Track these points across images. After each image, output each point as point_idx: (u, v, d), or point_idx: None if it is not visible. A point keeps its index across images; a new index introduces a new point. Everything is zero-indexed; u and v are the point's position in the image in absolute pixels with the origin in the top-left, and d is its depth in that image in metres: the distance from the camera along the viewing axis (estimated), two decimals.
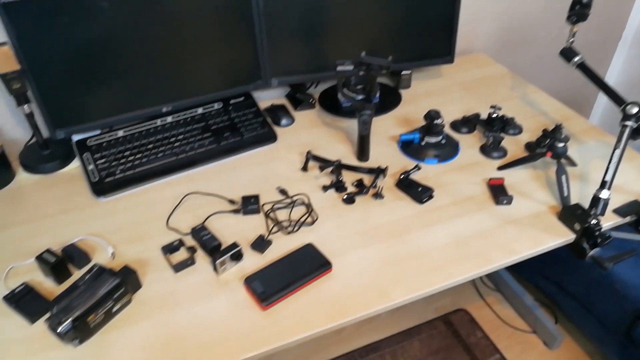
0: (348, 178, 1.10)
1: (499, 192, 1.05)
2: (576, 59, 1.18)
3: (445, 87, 1.43)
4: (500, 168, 1.13)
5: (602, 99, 2.06)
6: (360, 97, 1.13)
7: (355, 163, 1.15)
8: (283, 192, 1.07)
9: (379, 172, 1.09)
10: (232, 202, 1.05)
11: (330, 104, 1.34)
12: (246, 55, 1.22)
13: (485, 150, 1.18)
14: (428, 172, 1.12)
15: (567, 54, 1.20)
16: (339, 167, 1.09)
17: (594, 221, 0.93)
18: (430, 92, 1.41)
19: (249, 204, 1.02)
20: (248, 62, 1.23)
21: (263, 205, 1.04)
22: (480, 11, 1.58)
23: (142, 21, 1.08)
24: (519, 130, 1.25)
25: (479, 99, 1.38)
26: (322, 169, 1.10)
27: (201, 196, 1.07)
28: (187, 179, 1.12)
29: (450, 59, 1.38)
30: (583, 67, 1.18)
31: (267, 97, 1.40)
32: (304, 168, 1.13)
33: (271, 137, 1.22)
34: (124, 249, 0.95)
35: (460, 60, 1.54)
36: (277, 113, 1.29)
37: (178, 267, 0.91)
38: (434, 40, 1.34)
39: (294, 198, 1.05)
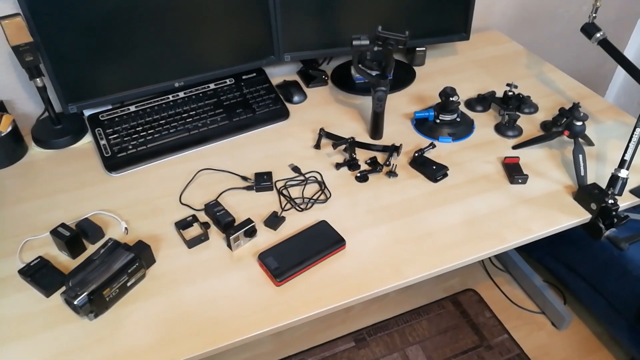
0: (361, 156, 1.09)
1: (514, 171, 1.03)
2: (598, 35, 1.15)
3: (460, 65, 1.41)
4: (516, 147, 1.12)
5: (618, 78, 2.02)
6: (375, 73, 1.11)
7: (368, 141, 1.14)
8: (296, 169, 1.06)
9: (392, 149, 1.08)
10: (245, 178, 1.04)
11: (343, 81, 1.32)
12: (259, 29, 1.20)
13: (501, 129, 1.16)
14: (442, 151, 1.11)
15: (589, 29, 1.17)
16: (352, 145, 1.08)
17: (611, 201, 0.92)
18: (445, 70, 1.38)
19: (262, 181, 1.01)
20: (261, 36, 1.21)
21: (276, 182, 1.03)
22: None
23: None
24: (534, 109, 1.22)
25: (494, 77, 1.35)
26: (335, 146, 1.09)
27: (214, 172, 1.06)
28: (199, 155, 1.11)
29: (466, 36, 1.35)
30: (605, 43, 1.15)
31: (279, 73, 1.38)
32: (317, 145, 1.12)
33: (283, 114, 1.21)
34: (137, 224, 0.96)
35: (475, 38, 1.51)
36: (290, 89, 1.28)
37: (192, 243, 0.91)
38: (450, 16, 1.32)
39: (307, 175, 1.04)
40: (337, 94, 1.30)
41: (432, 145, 1.09)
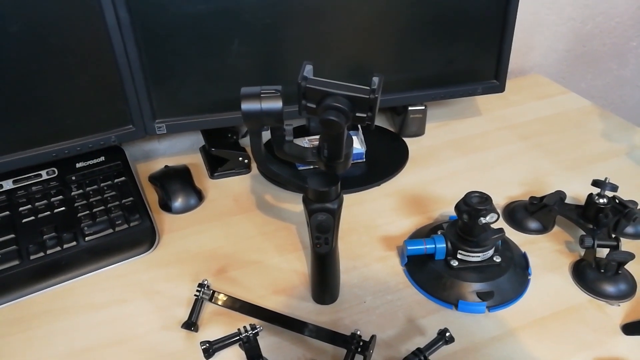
0: (289, 353, 0.48)
1: None
2: None
3: (486, 135, 0.81)
4: (630, 329, 0.50)
5: None
6: (311, 159, 0.50)
7: (304, 314, 0.53)
8: None
9: (353, 349, 0.46)
10: None
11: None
12: (103, 79, 0.61)
13: (588, 277, 0.55)
14: (465, 336, 0.50)
15: None
16: (254, 344, 0.46)
17: None
18: (460, 144, 0.79)
19: None
20: (106, 91, 0.62)
21: None
22: (538, 10, 0.97)
23: None
24: None
25: (554, 158, 0.75)
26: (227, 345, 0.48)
27: None
28: None
29: (499, 86, 0.76)
30: None
31: (169, 152, 0.79)
32: (189, 324, 0.51)
33: (142, 241, 0.60)
34: None
35: (508, 86, 0.92)
36: (170, 185, 0.68)
37: None
38: (469, 53, 0.73)
39: None
40: (265, 190, 0.70)
41: (444, 337, 0.47)
